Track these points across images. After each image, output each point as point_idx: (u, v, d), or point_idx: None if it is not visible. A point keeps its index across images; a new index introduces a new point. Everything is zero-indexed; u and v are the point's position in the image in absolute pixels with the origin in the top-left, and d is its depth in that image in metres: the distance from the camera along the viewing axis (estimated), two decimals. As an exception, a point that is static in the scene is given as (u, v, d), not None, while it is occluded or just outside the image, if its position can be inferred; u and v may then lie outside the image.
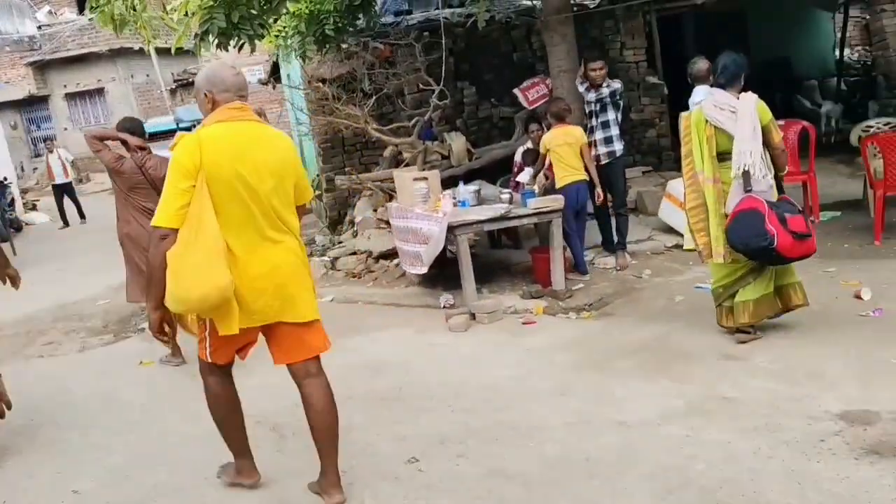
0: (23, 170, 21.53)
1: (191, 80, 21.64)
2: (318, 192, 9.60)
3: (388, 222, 7.59)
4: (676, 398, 3.79)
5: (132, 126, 5.38)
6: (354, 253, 7.61)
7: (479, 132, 8.35)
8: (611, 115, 6.34)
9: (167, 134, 12.96)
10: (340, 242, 8.30)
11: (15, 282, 4.30)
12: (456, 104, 7.90)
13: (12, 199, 14.32)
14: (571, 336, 5.10)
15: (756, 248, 4.23)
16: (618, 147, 6.36)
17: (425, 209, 6.10)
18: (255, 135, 2.84)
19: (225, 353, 3.01)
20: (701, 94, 4.42)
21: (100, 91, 23.12)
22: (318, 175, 9.46)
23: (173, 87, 21.53)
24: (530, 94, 7.84)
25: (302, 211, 3.09)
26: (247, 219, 2.78)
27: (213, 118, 2.83)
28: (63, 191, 14.26)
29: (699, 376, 4.06)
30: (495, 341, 5.18)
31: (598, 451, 3.34)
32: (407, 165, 7.61)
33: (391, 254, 7.31)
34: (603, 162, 6.35)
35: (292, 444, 3.90)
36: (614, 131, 6.33)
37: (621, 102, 6.40)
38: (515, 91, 7.91)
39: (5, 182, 14.09)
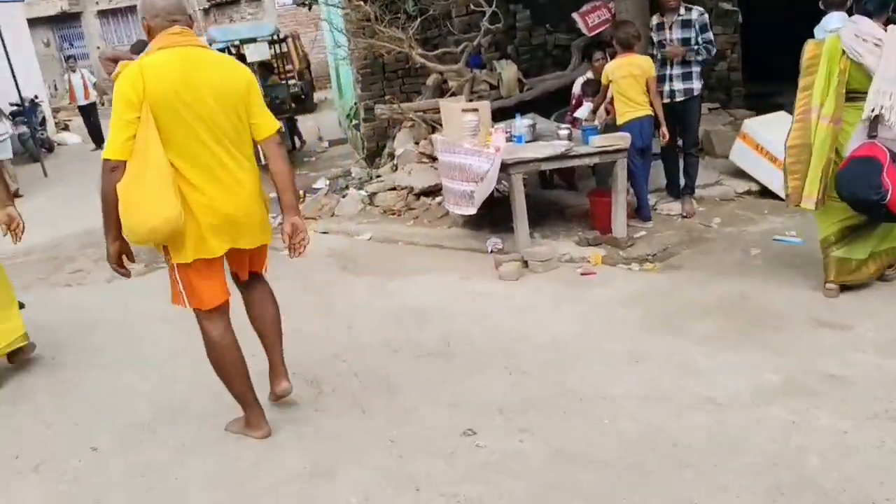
0: (56, 88, 21.09)
1: (226, 0, 20.86)
2: (355, 122, 9.03)
3: (431, 157, 7.04)
4: (772, 373, 3.27)
5: (145, 48, 4.96)
6: (394, 188, 7.09)
7: (532, 61, 7.63)
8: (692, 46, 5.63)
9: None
10: (379, 176, 7.77)
11: (12, 226, 3.93)
12: (507, 29, 7.18)
13: (43, 119, 13.90)
14: (636, 290, 4.58)
15: (863, 201, 3.65)
16: (697, 85, 5.65)
17: (474, 144, 5.54)
18: (199, 60, 2.77)
19: (211, 293, 2.94)
20: (837, 21, 3.74)
21: (132, 9, 22.36)
22: (355, 103, 8.87)
23: (207, 6, 20.73)
24: (591, 18, 7.09)
25: (277, 152, 2.98)
26: (198, 146, 2.75)
27: (155, 45, 2.77)
28: (88, 112, 13.82)
29: (794, 346, 3.53)
30: (551, 292, 4.68)
31: (686, 433, 2.86)
32: (452, 95, 6.98)
33: (434, 191, 6.78)
34: (679, 99, 5.66)
35: (331, 402, 3.49)
36: (695, 67, 5.62)
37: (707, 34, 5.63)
38: (574, 15, 7.15)
39: (36, 101, 13.63)
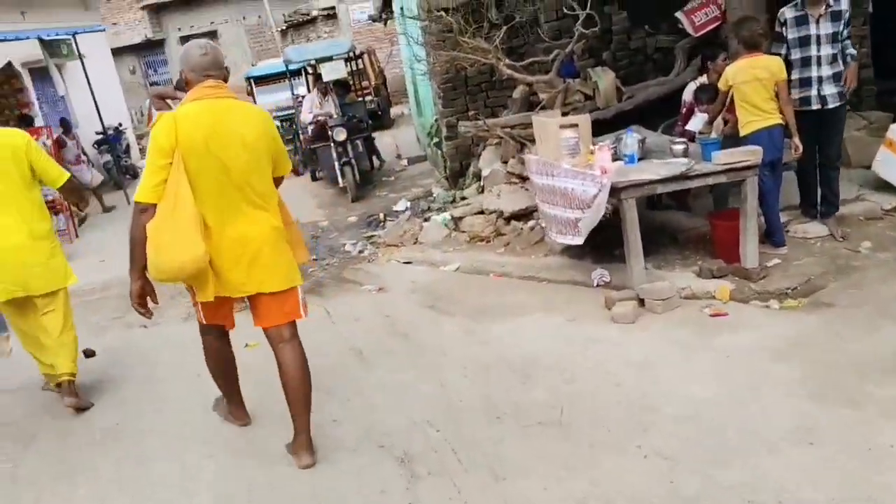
0: (142, 115, 21.51)
1: (302, 20, 20.84)
2: (436, 140, 8.47)
3: (521, 176, 6.38)
4: None
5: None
6: (482, 212, 6.46)
7: (631, 67, 6.87)
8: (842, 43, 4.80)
9: (278, 78, 12.14)
10: (464, 198, 7.17)
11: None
12: (602, 32, 6.46)
13: (127, 146, 13.99)
14: (783, 336, 3.78)
15: None
16: (844, 88, 4.81)
17: (575, 164, 4.85)
18: (229, 111, 2.90)
19: (216, 316, 3.16)
20: None
21: (212, 34, 22.68)
22: (436, 120, 8.30)
23: (284, 27, 20.77)
24: (697, 17, 6.29)
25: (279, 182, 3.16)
26: (222, 193, 2.88)
27: (189, 97, 2.92)
28: None
29: None
30: (676, 340, 3.93)
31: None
32: (542, 108, 6.31)
33: (525, 214, 6.12)
34: (831, 105, 4.81)
35: (428, 493, 2.87)
36: (843, 67, 4.77)
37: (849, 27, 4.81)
38: (678, 14, 6.37)
39: (120, 129, 13.73)
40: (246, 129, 2.91)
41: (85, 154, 10.70)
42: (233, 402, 3.55)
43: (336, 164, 9.47)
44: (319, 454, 3.20)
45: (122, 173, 12.46)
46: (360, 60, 15.07)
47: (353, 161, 9.46)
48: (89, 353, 5.00)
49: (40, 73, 13.58)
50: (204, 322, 3.19)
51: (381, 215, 8.29)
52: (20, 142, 3.84)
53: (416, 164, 11.01)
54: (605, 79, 6.35)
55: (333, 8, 17.94)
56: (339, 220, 8.67)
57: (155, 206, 2.85)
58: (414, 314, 4.95)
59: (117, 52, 18.04)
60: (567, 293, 4.87)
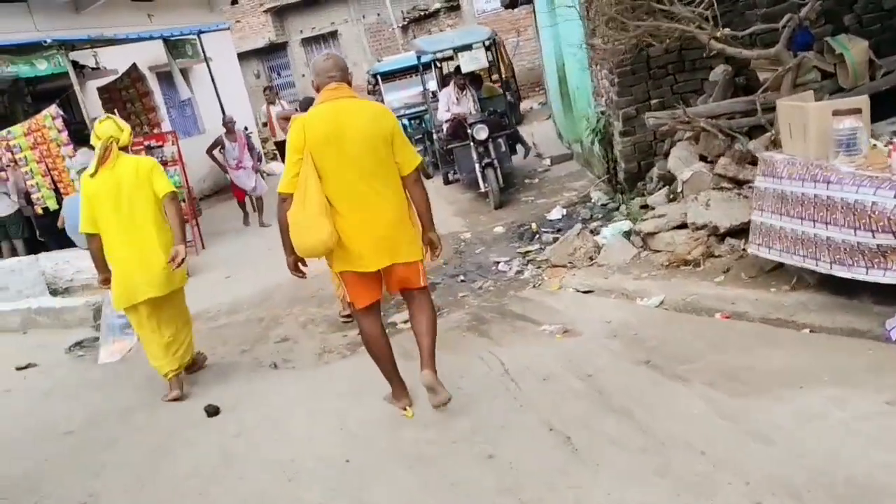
0: (263, 123, 21.20)
1: (422, 14, 19.80)
2: (598, 136, 7.02)
3: (736, 180, 4.86)
4: None
5: (310, 105, 5.18)
6: (682, 226, 4.98)
7: (884, 33, 5.17)
8: None
9: (405, 73, 11.02)
10: (645, 207, 5.71)
11: (177, 260, 4.25)
12: (840, -9, 4.85)
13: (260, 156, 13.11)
14: None
15: None
16: None
17: (855, 164, 3.33)
18: (347, 109, 3.25)
19: (362, 297, 3.43)
20: None
21: (333, 34, 22.09)
22: (602, 113, 6.85)
23: (404, 23, 19.80)
24: None
25: (416, 185, 3.41)
26: (347, 182, 3.24)
27: (317, 101, 3.33)
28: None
29: None
30: None
31: None
32: (765, 90, 4.76)
33: (746, 229, 4.60)
34: None
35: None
36: None
37: None
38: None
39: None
40: (361, 124, 3.23)
41: (256, 156, 10.06)
42: (393, 384, 3.60)
43: (476, 166, 8.21)
44: None
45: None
46: (491, 51, 13.83)
47: (495, 162, 8.17)
48: (212, 412, 3.97)
49: (167, 77, 13.13)
50: (355, 306, 3.46)
51: (534, 225, 6.95)
52: (145, 167, 4.29)
53: (561, 165, 9.59)
54: (853, 49, 4.71)
55: None
56: (483, 230, 7.40)
57: (292, 195, 3.24)
58: (626, 375, 3.56)
59: (242, 57, 17.62)
60: (852, 350, 3.33)
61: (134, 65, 9.67)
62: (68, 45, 7.58)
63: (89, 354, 5.63)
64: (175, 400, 4.29)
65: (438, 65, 11.22)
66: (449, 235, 7.49)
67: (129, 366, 5.23)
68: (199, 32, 9.81)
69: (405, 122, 10.78)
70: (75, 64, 10.41)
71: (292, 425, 3.69)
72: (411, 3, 21.95)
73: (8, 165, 8.29)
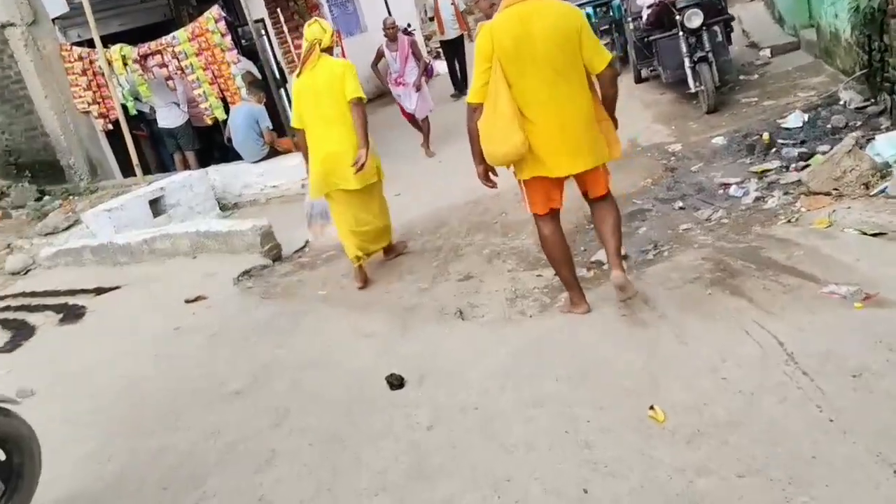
0: (426, 13, 19.98)
1: None
2: (857, 16, 5.29)
3: None
4: None
5: None
6: None
7: None
8: None
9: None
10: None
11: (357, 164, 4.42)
12: None
13: (430, 69, 11.83)
14: None
15: None
16: None
17: None
18: (534, 13, 3.12)
19: (543, 203, 3.39)
20: None
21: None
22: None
23: None
24: None
25: (609, 83, 3.28)
26: (537, 87, 3.15)
27: (501, 6, 3.23)
28: (454, 49, 10.48)
29: None
30: None
31: None
32: None
33: None
34: None
35: None
36: None
37: None
38: None
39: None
40: (548, 25, 3.11)
41: (422, 68, 8.12)
42: (573, 290, 3.55)
43: (686, 60, 6.71)
44: None
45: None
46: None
47: (710, 56, 6.64)
48: (395, 384, 3.21)
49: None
50: (534, 211, 3.44)
51: (765, 136, 5.51)
52: (338, 70, 4.40)
53: (784, 56, 7.79)
54: None
55: None
56: (697, 141, 6.03)
57: (482, 105, 3.22)
58: None
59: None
60: None
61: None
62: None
63: (258, 286, 5.11)
64: (360, 289, 4.61)
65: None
66: (652, 147, 6.22)
67: (296, 307, 4.66)
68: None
69: (589, 10, 9.28)
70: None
71: (501, 422, 2.82)
72: None
73: (175, 73, 7.90)
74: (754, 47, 8.40)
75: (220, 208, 7.63)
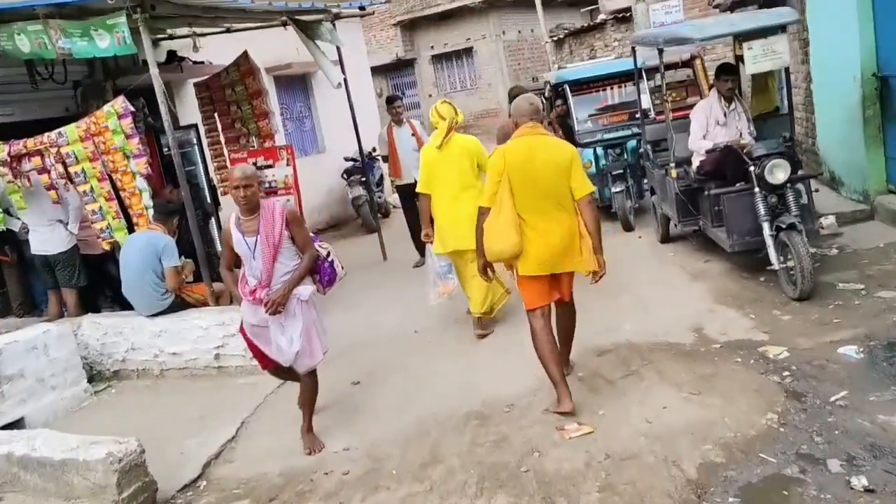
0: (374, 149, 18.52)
1: (564, 35, 16.65)
2: None
3: None
4: None
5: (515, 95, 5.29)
6: None
7: None
8: None
9: (608, 82, 7.74)
10: None
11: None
12: None
13: (381, 178, 10.32)
14: None
15: None
16: None
17: None
18: (540, 145, 3.77)
19: (536, 299, 3.81)
20: None
21: (467, 51, 19.33)
22: None
23: (561, 36, 16.61)
24: None
25: (587, 208, 3.79)
26: (534, 201, 3.73)
27: (516, 135, 3.85)
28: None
29: None
30: None
31: None
32: None
33: None
34: None
35: None
36: None
37: None
38: None
39: (374, 155, 10.05)
40: (551, 157, 3.73)
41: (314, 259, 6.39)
42: (560, 386, 3.75)
43: (766, 226, 4.86)
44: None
45: (375, 212, 8.81)
46: (691, 68, 10.50)
47: (798, 223, 4.79)
48: None
49: (287, 83, 10.50)
50: (530, 307, 3.83)
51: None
52: (471, 145, 5.13)
53: (854, 226, 6.06)
54: None
55: (628, 9, 13.44)
56: (813, 350, 4.01)
57: (489, 210, 3.77)
58: None
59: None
60: None
61: (245, 53, 6.90)
62: (147, 7, 4.80)
63: None
64: (481, 337, 5.05)
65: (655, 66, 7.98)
66: (738, 347, 4.18)
67: None
68: (334, 18, 6.91)
69: (599, 151, 7.55)
70: (171, 56, 7.84)
71: None
72: (555, 22, 18.97)
73: (60, 182, 5.61)
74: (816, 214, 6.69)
75: (90, 379, 5.14)
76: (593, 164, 7.54)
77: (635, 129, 7.52)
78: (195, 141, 7.56)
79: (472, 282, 4.95)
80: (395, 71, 20.41)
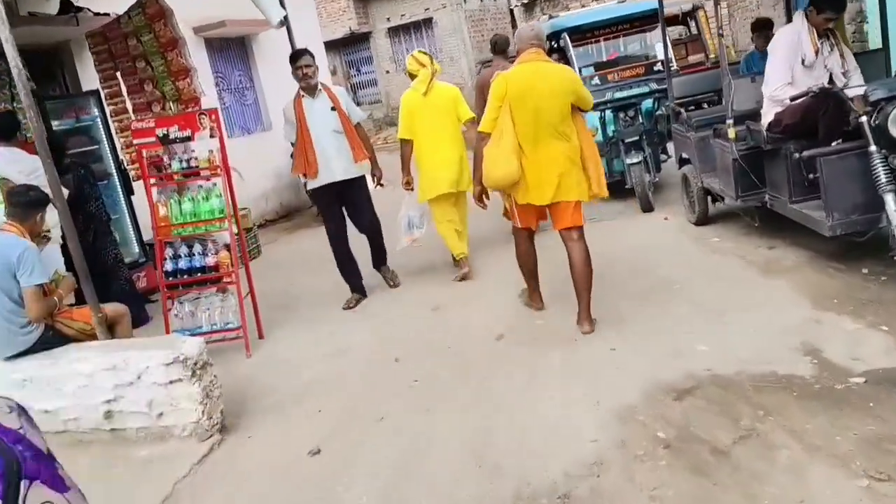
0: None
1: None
2: None
3: None
4: None
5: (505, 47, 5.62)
6: None
7: None
8: None
9: (616, 28, 6.16)
10: None
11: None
12: None
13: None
14: None
15: None
16: None
17: None
18: (541, 70, 3.67)
19: (527, 220, 3.90)
20: None
21: (427, 22, 17.58)
22: None
23: (526, 1, 15.02)
24: None
25: (580, 120, 3.77)
26: (534, 128, 3.63)
27: (518, 61, 3.75)
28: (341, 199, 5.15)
29: None
30: None
31: None
32: None
33: None
34: None
35: None
36: None
37: None
38: None
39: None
40: (552, 82, 3.63)
41: None
42: (533, 292, 4.13)
43: (892, 200, 3.40)
44: None
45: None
46: (693, 20, 9.13)
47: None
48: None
49: (219, 47, 8.68)
50: (518, 226, 3.92)
51: None
52: (453, 94, 5.00)
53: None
54: None
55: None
56: None
57: (489, 134, 3.71)
58: None
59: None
60: None
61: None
62: None
63: None
64: (463, 278, 4.97)
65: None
66: (889, 377, 2.72)
67: None
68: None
69: (608, 114, 6.04)
70: (66, 6, 6.01)
71: None
72: (520, -11, 17.37)
73: None
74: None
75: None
76: (599, 130, 6.05)
77: (653, 86, 6.03)
78: (97, 112, 5.80)
79: (449, 226, 4.98)
80: (348, 46, 18.55)
